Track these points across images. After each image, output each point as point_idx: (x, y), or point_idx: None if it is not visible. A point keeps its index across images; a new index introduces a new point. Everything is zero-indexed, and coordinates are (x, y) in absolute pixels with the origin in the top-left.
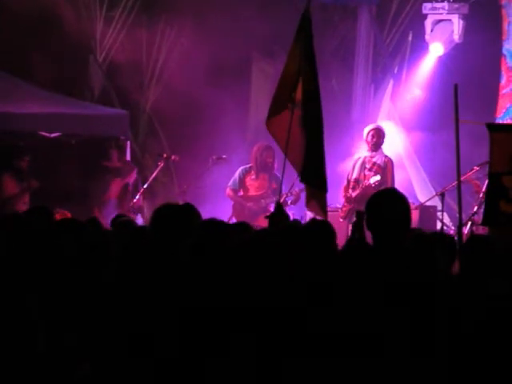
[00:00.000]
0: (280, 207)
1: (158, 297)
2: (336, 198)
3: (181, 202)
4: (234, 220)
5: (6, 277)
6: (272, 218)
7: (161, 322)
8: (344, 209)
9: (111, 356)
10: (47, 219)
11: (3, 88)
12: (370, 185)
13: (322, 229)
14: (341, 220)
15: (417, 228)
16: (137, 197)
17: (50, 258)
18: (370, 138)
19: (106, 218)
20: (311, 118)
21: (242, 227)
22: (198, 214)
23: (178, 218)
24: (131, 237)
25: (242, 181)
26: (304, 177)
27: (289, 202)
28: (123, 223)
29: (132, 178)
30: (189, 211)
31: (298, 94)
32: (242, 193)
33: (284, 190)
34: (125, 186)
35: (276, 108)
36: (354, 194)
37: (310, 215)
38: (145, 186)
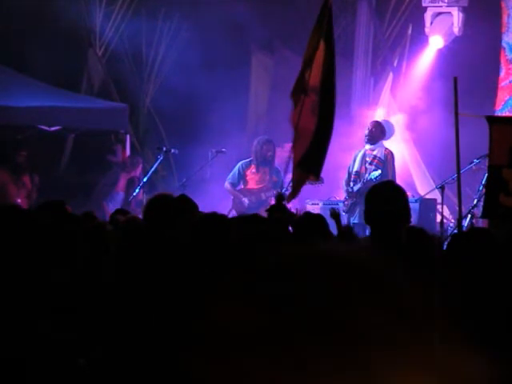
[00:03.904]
0: (280, 199)
1: (156, 292)
2: (333, 190)
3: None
4: (233, 213)
5: (5, 273)
6: (272, 211)
7: (160, 318)
8: (346, 202)
9: (110, 354)
10: (60, 214)
11: (2, 81)
12: (370, 179)
13: (315, 220)
14: (343, 214)
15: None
16: (137, 190)
17: (54, 253)
18: (366, 129)
19: None
20: (326, 106)
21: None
22: (194, 205)
23: (172, 208)
24: (130, 234)
25: (241, 175)
26: (303, 164)
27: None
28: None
29: (138, 171)
30: (183, 202)
31: (316, 80)
32: (242, 186)
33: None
34: (131, 179)
35: (296, 89)
36: (355, 189)
37: (307, 208)
38: (144, 180)
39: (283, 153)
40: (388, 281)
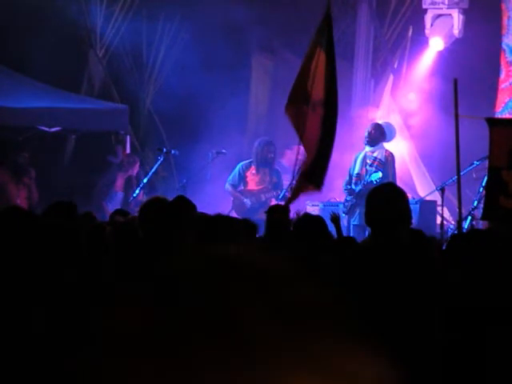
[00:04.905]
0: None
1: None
2: (333, 192)
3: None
4: (233, 214)
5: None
6: (271, 212)
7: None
8: (346, 204)
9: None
10: (70, 215)
11: (2, 82)
12: (371, 181)
13: (314, 222)
14: (343, 215)
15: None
16: (137, 191)
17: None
18: (365, 131)
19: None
20: (329, 119)
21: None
22: (192, 206)
23: (166, 212)
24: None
25: (242, 176)
26: (307, 175)
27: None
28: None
29: (135, 170)
30: (181, 203)
31: (320, 93)
32: (242, 187)
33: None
34: (128, 178)
35: (295, 99)
36: (356, 190)
37: (307, 209)
38: (145, 181)
39: (292, 155)
40: (272, 280)
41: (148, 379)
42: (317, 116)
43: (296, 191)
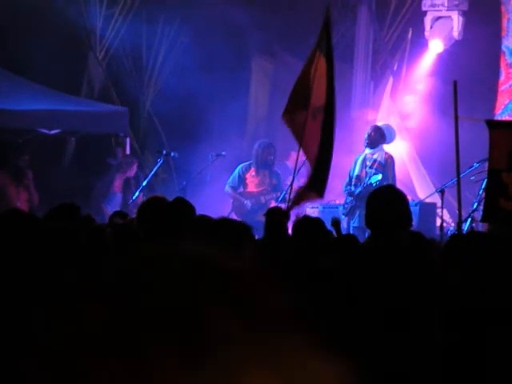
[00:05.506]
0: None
1: None
2: (333, 194)
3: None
4: (233, 216)
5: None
6: (270, 215)
7: None
8: (346, 206)
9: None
10: (73, 217)
11: (2, 85)
12: (371, 184)
13: (313, 224)
14: (343, 217)
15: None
16: (136, 194)
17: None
18: (365, 134)
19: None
20: (328, 124)
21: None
22: (190, 207)
23: (165, 211)
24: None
25: (241, 178)
26: (309, 183)
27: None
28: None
29: (133, 171)
30: (180, 204)
31: (321, 99)
32: (242, 189)
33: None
34: (127, 179)
35: (294, 105)
36: (356, 192)
37: (306, 212)
38: (144, 183)
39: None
40: (233, 280)
41: (110, 379)
42: (317, 123)
43: (298, 199)
